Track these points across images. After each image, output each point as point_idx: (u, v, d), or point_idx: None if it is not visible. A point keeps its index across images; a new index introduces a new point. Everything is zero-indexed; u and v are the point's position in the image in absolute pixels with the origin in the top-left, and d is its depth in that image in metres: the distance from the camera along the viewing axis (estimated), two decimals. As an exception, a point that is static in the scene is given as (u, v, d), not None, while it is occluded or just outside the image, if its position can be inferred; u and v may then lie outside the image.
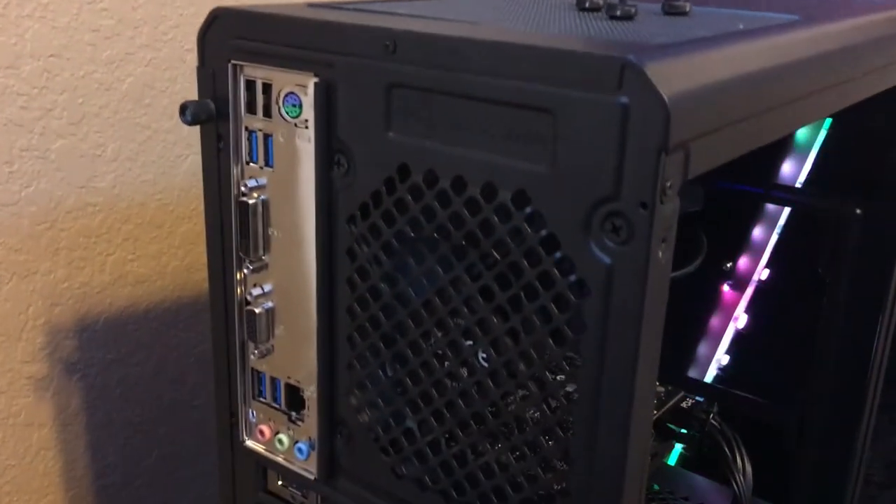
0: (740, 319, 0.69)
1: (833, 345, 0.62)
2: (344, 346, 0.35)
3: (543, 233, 0.28)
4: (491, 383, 0.31)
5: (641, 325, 0.27)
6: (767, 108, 0.32)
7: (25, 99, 0.51)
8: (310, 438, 0.37)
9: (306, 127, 0.33)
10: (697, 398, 0.48)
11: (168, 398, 0.66)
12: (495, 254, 0.29)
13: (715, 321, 0.69)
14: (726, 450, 0.45)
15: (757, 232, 0.66)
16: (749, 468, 0.46)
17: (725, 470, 0.45)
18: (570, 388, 0.29)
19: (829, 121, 0.61)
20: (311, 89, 0.32)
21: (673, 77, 0.26)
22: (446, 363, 0.32)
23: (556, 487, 0.30)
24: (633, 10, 0.36)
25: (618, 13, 0.36)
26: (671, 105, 0.25)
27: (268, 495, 0.40)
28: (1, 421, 0.54)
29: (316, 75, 0.32)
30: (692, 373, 0.70)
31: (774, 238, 0.66)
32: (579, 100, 0.26)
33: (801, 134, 0.63)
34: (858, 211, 0.59)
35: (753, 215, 0.66)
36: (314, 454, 0.37)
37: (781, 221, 0.65)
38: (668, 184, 0.26)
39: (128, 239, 0.60)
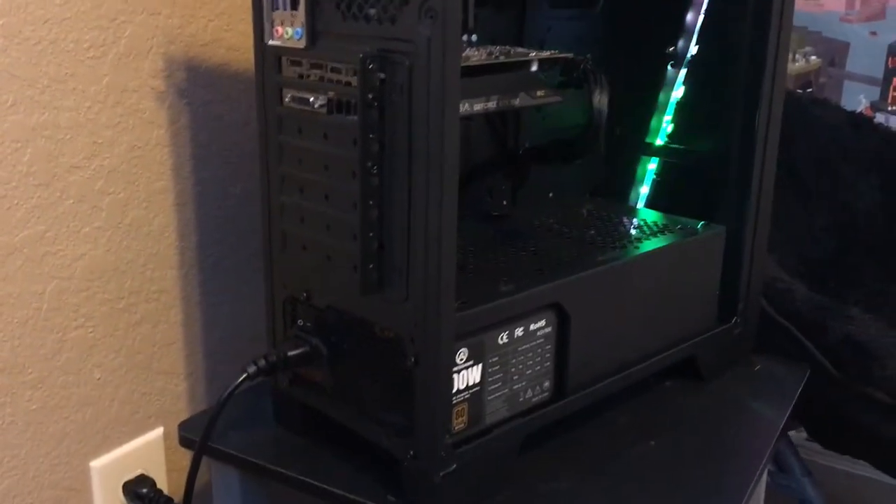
0: (680, 92, 0.88)
1: (738, 98, 0.81)
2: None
3: None
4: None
5: None
6: None
7: None
8: (302, 24, 0.61)
9: None
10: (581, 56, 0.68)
11: (249, 148, 0.91)
12: None
13: (663, 96, 0.89)
14: (592, 83, 0.65)
15: (689, 17, 0.86)
16: (606, 98, 0.66)
17: (588, 90, 0.65)
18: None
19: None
20: None
21: None
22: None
23: None
24: None
25: None
26: None
27: (279, 75, 0.63)
28: (132, 112, 0.80)
29: None
30: (649, 139, 0.90)
31: (701, 18, 0.85)
32: None
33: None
34: (752, -20, 0.78)
35: (685, 3, 0.86)
36: (304, 31, 0.61)
37: (705, 4, 0.85)
38: None
39: (223, 14, 0.86)
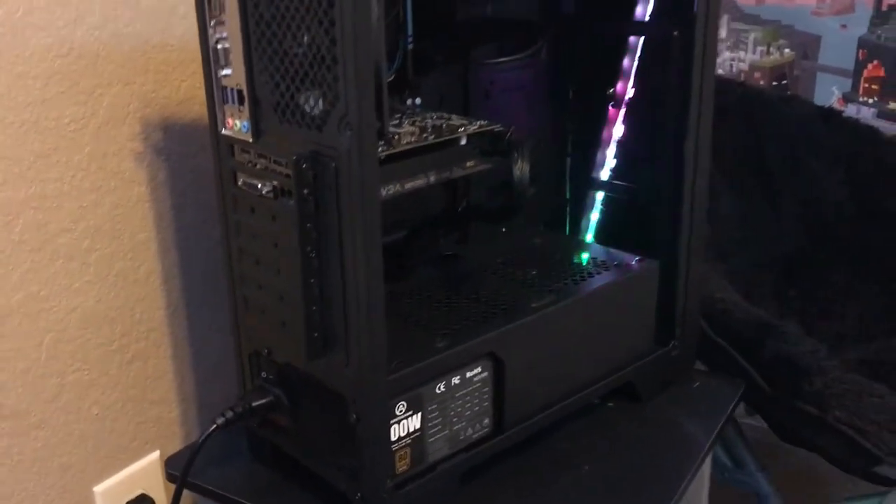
0: (620, 130, 0.94)
1: (670, 137, 0.87)
2: (253, 51, 0.65)
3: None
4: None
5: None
6: None
7: (125, -29, 0.85)
8: (248, 119, 0.68)
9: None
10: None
11: (228, 191, 0.98)
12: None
13: (605, 134, 0.95)
14: (515, 155, 0.72)
15: (626, 62, 0.92)
16: (528, 169, 0.72)
17: (511, 162, 0.72)
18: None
19: (660, -28, 0.86)
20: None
21: None
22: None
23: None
24: None
25: None
26: None
27: (233, 160, 0.71)
28: (113, 175, 0.88)
29: None
30: (594, 174, 0.96)
31: (636, 64, 0.91)
32: None
33: (646, -16, 0.88)
34: (676, 33, 0.84)
35: (622, 49, 0.91)
36: (250, 126, 0.68)
37: (639, 51, 0.90)
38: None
39: (195, 73, 0.93)
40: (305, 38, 0.60)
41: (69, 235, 0.85)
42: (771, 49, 1.64)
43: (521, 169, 0.72)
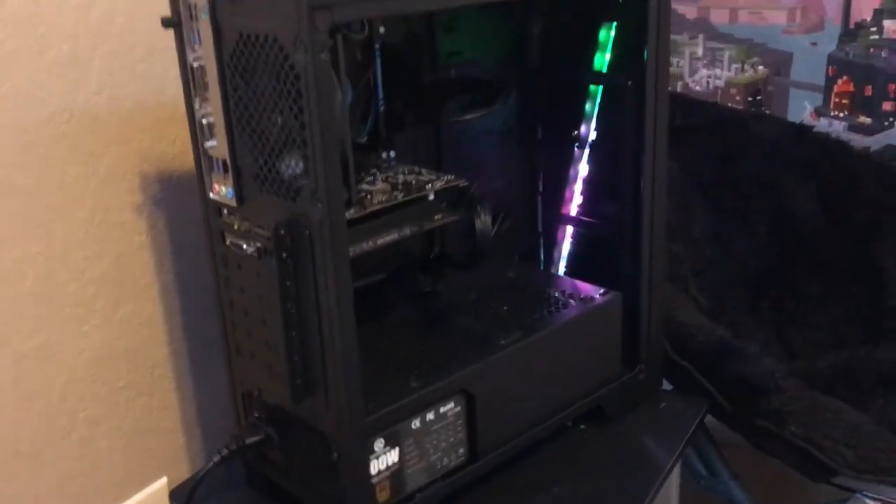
0: (585, 169, 1.01)
1: (628, 176, 0.93)
2: (234, 127, 0.72)
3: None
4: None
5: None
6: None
7: (117, 42, 0.92)
8: (232, 186, 0.75)
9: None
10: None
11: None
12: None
13: (572, 172, 1.02)
14: (478, 208, 0.79)
15: (588, 107, 0.98)
16: (489, 219, 0.79)
17: (473, 216, 0.79)
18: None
19: (615, 24, 0.93)
20: None
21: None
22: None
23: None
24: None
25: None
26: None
27: (220, 221, 0.78)
28: (115, 227, 0.95)
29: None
30: (563, 210, 1.03)
31: (596, 109, 0.97)
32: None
33: (603, 35, 0.94)
34: (630, 83, 0.90)
35: (584, 95, 0.98)
36: (234, 193, 0.75)
37: (598, 98, 0.97)
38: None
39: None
40: (279, 120, 0.67)
41: (76, 284, 0.92)
42: (745, 66, 1.70)
43: (483, 222, 0.78)
